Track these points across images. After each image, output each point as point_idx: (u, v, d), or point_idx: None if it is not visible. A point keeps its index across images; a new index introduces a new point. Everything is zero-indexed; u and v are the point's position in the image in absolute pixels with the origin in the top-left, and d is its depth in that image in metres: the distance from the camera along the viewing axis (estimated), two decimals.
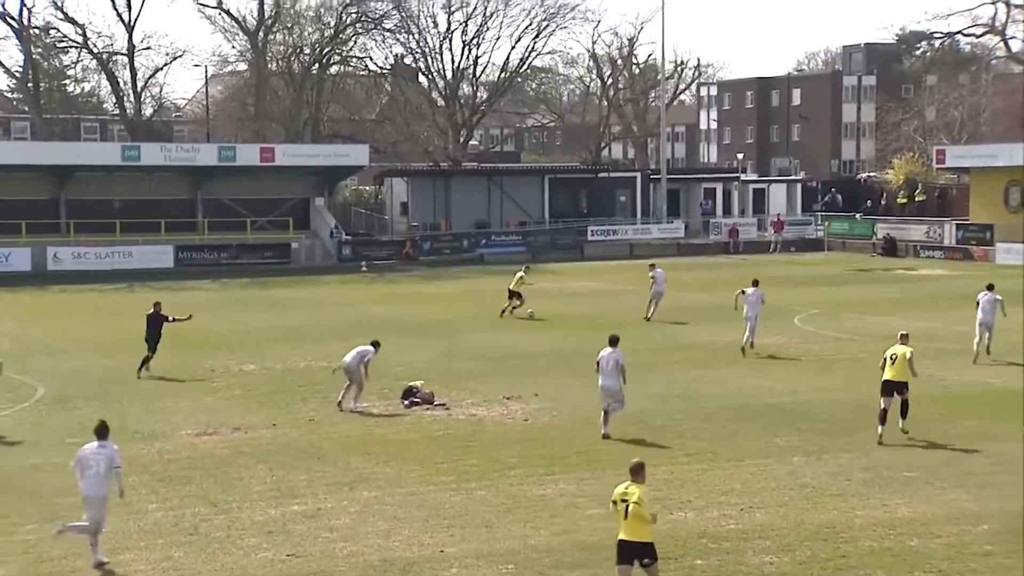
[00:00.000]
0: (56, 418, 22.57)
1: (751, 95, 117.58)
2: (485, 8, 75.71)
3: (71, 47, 76.27)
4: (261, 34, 72.32)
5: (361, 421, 22.14)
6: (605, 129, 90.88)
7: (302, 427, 21.75)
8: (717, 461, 18.76)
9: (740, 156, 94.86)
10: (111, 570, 14.22)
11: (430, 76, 78.38)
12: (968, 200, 62.27)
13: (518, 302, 37.19)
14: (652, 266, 37.48)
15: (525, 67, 79.75)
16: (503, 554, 14.59)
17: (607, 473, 18.10)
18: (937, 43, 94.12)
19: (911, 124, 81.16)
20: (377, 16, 74.50)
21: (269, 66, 73.82)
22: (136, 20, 74.07)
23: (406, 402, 23.32)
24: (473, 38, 76.07)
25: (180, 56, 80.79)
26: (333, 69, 76.34)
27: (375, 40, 77.05)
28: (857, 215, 67.22)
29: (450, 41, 76.49)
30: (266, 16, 72.21)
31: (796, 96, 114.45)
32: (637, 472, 12.53)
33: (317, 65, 74.06)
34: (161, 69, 76.08)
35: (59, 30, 74.60)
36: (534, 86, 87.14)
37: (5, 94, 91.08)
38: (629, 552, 12.32)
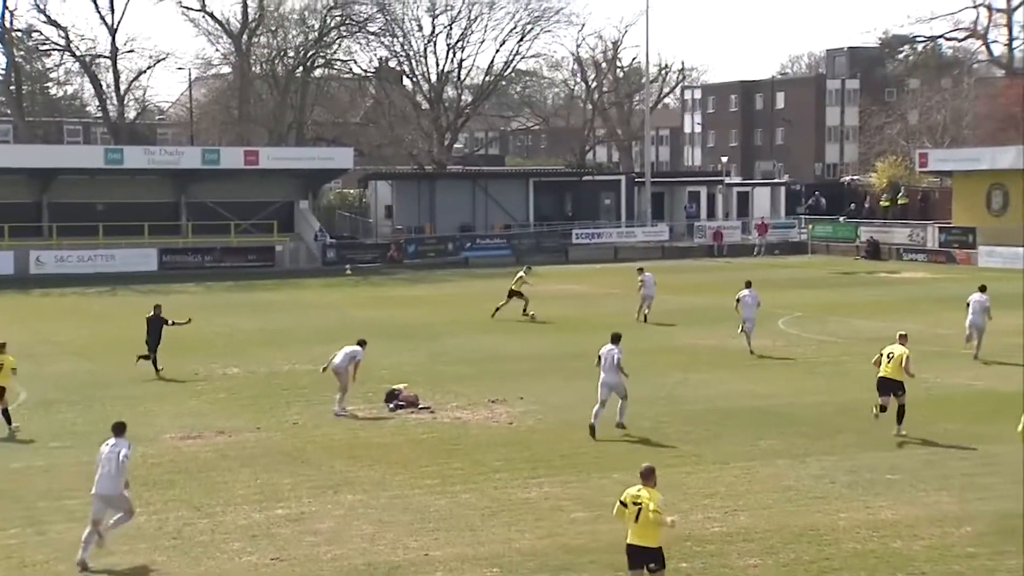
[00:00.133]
0: (39, 422, 22.48)
1: (735, 99, 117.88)
2: (469, 11, 75.86)
3: (54, 50, 76.14)
4: (245, 37, 72.20)
5: (345, 424, 22.10)
6: (589, 132, 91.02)
7: (286, 430, 21.70)
8: (701, 464, 18.78)
9: (724, 159, 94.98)
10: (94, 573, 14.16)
11: (414, 79, 78.44)
12: (951, 203, 62.55)
13: (523, 302, 37.17)
14: (640, 270, 37.55)
15: (509, 70, 79.84)
16: (488, 557, 14.58)
17: (592, 476, 18.13)
18: (920, 47, 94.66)
19: (894, 128, 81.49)
20: (361, 19, 74.51)
21: (253, 69, 73.71)
22: (119, 23, 74.15)
23: (391, 405, 23.30)
24: (457, 41, 76.19)
25: (163, 59, 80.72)
26: (317, 72, 76.31)
27: (359, 43, 77.15)
28: (841, 218, 67.46)
29: (434, 44, 76.63)
30: (250, 19, 72.12)
31: (780, 100, 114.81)
32: (648, 476, 12.54)
33: (301, 68, 73.98)
34: (144, 72, 76.12)
35: (42, 33, 74.51)
36: (519, 89, 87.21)
37: None
38: (640, 557, 12.35)
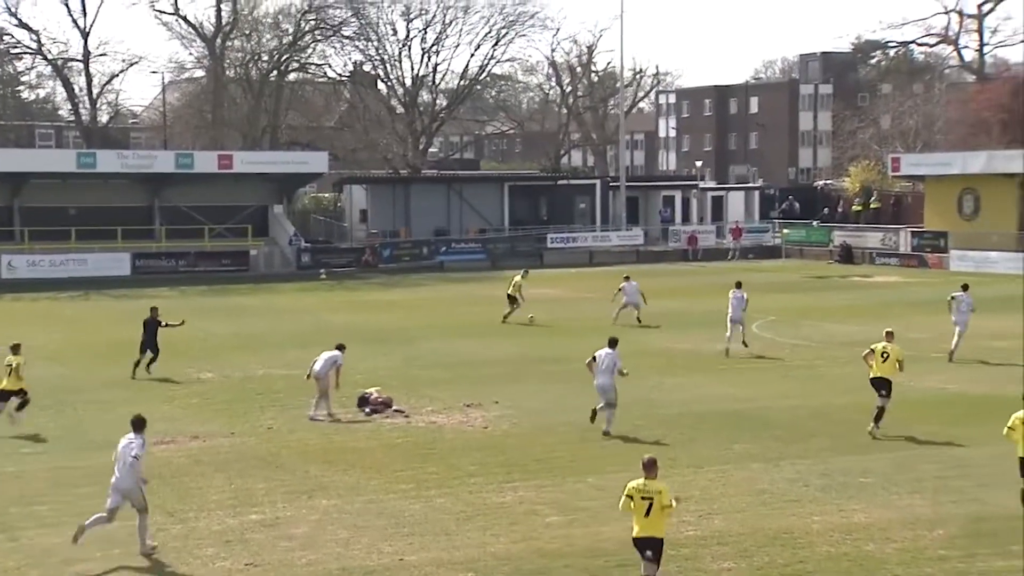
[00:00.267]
0: (9, 427, 22.28)
1: (709, 103, 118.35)
2: (444, 16, 75.89)
3: (25, 53, 75.59)
4: (219, 41, 71.98)
5: (320, 429, 22.04)
6: (564, 136, 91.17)
7: (260, 435, 21.62)
8: (676, 468, 18.81)
9: (699, 164, 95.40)
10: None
11: (389, 83, 78.35)
12: (923, 208, 62.97)
13: (516, 307, 37.20)
14: (627, 278, 37.60)
15: (484, 75, 79.93)
16: (462, 562, 14.58)
17: (566, 480, 18.14)
18: (892, 52, 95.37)
19: (867, 132, 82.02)
20: (336, 23, 74.40)
21: (227, 73, 73.48)
22: (91, 26, 73.55)
23: (367, 410, 23.26)
24: (432, 45, 76.19)
25: (136, 62, 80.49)
26: (292, 76, 76.16)
27: (334, 47, 77.13)
28: (814, 223, 67.80)
29: (409, 48, 76.62)
30: (224, 23, 71.91)
31: (754, 104, 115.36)
32: (651, 468, 12.80)
33: (275, 72, 73.83)
34: (117, 75, 75.64)
35: (13, 36, 74.00)
36: (493, 93, 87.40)
37: None
38: (646, 546, 12.64)
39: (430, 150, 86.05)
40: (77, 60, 71.87)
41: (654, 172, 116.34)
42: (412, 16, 75.56)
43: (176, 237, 58.16)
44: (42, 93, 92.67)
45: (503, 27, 77.11)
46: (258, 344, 32.97)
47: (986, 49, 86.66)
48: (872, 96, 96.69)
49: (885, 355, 20.88)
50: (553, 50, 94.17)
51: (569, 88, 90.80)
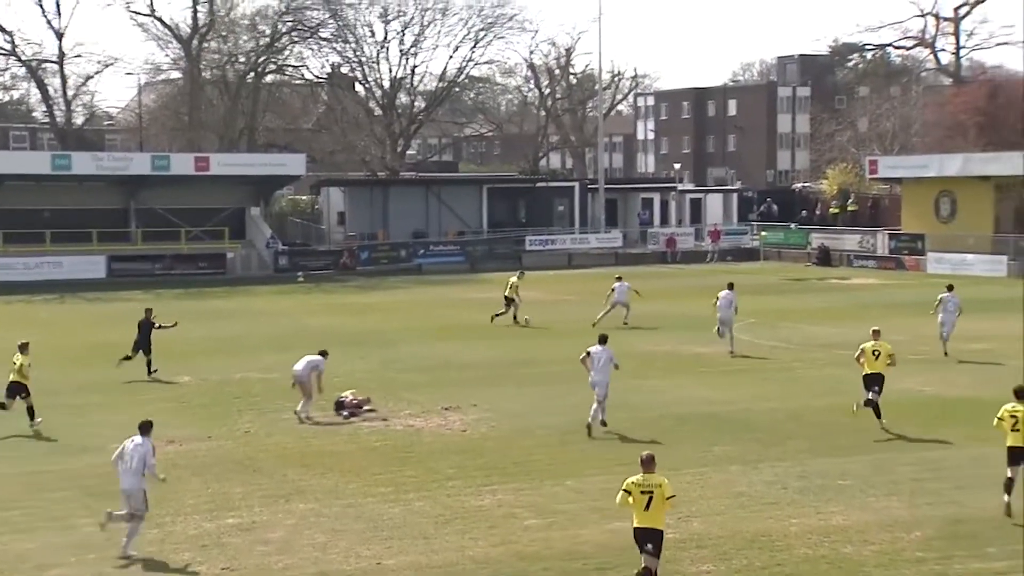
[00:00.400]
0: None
1: (687, 105, 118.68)
2: (422, 17, 75.79)
3: None
4: (195, 42, 71.66)
5: (298, 433, 21.98)
6: (543, 139, 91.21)
7: (237, 439, 21.54)
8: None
9: (677, 166, 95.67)
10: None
11: (367, 85, 78.22)
12: (900, 210, 63.31)
13: (514, 308, 37.22)
14: (619, 278, 37.68)
15: (463, 77, 79.87)
16: (441, 566, 14.56)
17: (545, 483, 18.15)
18: (869, 55, 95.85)
19: (844, 135, 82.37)
20: (313, 25, 74.17)
21: (203, 75, 73.17)
22: (66, 27, 73.15)
23: (344, 413, 23.22)
24: (410, 47, 76.09)
25: (112, 64, 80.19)
26: (269, 78, 75.88)
27: (311, 49, 76.86)
28: (792, 225, 68.06)
29: (387, 50, 76.39)
30: (200, 24, 71.59)
31: (732, 107, 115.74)
32: (650, 463, 13.13)
33: (253, 74, 73.55)
34: (92, 77, 75.31)
35: None
36: (472, 96, 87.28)
37: None
38: (646, 537, 12.90)
39: (408, 152, 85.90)
40: (51, 61, 71.44)
41: (632, 174, 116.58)
42: (390, 18, 75.52)
43: (152, 240, 57.89)
44: (16, 95, 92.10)
45: (481, 29, 77.16)
46: (235, 347, 32.85)
47: (962, 52, 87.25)
48: (849, 99, 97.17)
49: (876, 353, 21.54)
50: (531, 52, 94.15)
51: (548, 90, 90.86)
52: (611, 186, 75.51)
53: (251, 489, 17.95)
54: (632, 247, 67.48)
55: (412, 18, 75.61)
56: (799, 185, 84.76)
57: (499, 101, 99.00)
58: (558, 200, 71.29)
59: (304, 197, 73.20)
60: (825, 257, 61.50)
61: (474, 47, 77.44)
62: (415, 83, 78.75)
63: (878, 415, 21.32)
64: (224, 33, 73.26)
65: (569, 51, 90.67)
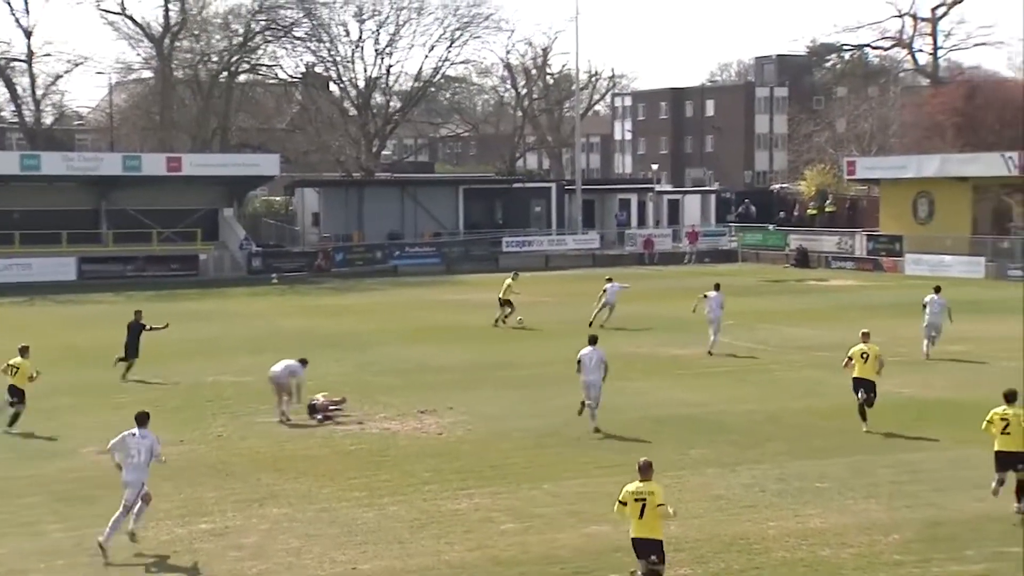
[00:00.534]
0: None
1: (665, 106, 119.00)
2: (398, 17, 75.68)
3: None
4: (167, 41, 71.35)
5: (272, 436, 21.91)
6: (519, 139, 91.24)
7: (210, 443, 21.46)
8: (632, 474, 18.75)
9: (655, 167, 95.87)
10: None
11: (342, 85, 78.07)
12: (878, 211, 63.64)
13: (509, 310, 37.20)
14: (609, 279, 37.81)
15: (439, 77, 79.81)
16: (416, 571, 14.54)
17: (522, 487, 18.15)
18: (847, 56, 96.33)
19: (822, 135, 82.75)
20: (287, 24, 73.96)
21: (175, 74, 72.86)
22: (35, 26, 72.86)
23: (318, 416, 23.17)
24: (386, 47, 75.98)
25: (82, 63, 79.37)
26: (242, 77, 75.63)
27: (285, 48, 76.64)
28: (770, 226, 68.32)
29: (362, 50, 76.26)
30: (172, 23, 71.28)
31: (710, 107, 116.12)
32: (646, 470, 13.22)
33: (225, 73, 73.29)
34: (62, 76, 74.72)
35: None
36: (448, 96, 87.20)
37: None
38: (645, 548, 12.96)
39: (383, 153, 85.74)
40: (20, 60, 70.97)
41: (610, 175, 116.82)
42: (365, 17, 75.37)
43: (123, 241, 57.60)
44: None
45: (457, 29, 77.12)
46: (208, 350, 32.71)
47: (940, 53, 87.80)
48: (827, 99, 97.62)
49: (865, 356, 21.69)
50: (508, 52, 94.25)
51: (524, 90, 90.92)
52: (588, 187, 75.62)
53: (224, 494, 17.88)
54: (609, 248, 67.58)
55: (387, 17, 75.59)
56: (777, 186, 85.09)
57: (475, 101, 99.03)
58: (535, 201, 71.33)
59: (278, 198, 72.98)
60: (803, 259, 61.76)
61: (450, 47, 77.48)
62: (390, 83, 78.72)
63: (863, 417, 21.55)
64: (196, 32, 72.97)
65: (546, 51, 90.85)
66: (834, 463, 19.44)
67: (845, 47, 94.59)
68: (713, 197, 78.43)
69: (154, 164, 58.67)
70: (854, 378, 21.76)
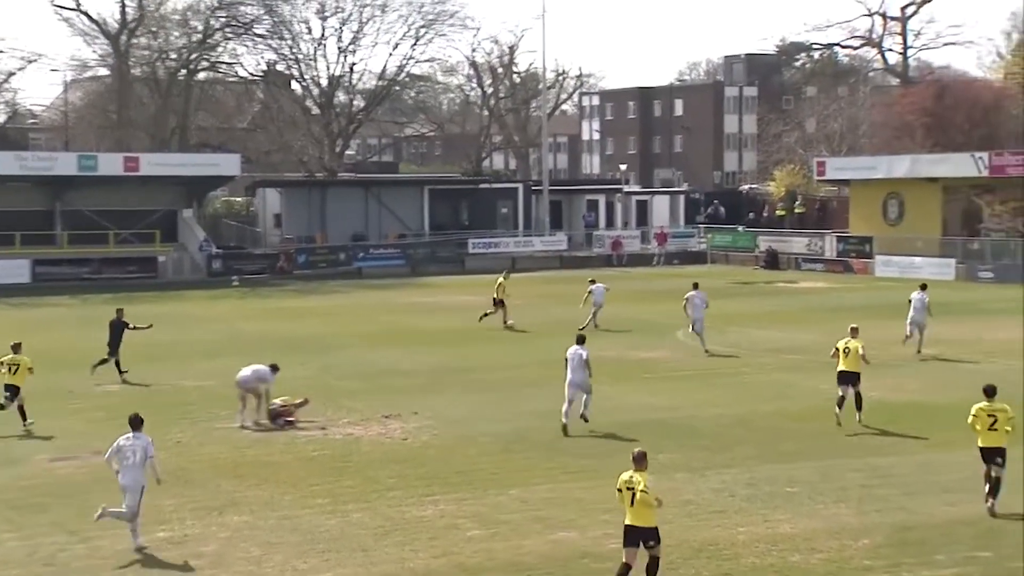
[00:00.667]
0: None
1: (633, 105, 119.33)
2: (361, 14, 75.50)
3: None
4: (124, 38, 70.90)
5: (232, 442, 21.80)
6: (486, 139, 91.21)
7: (169, 449, 21.28)
8: (600, 479, 18.88)
9: (623, 167, 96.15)
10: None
11: (304, 83, 77.82)
12: (848, 212, 64.07)
13: (501, 309, 37.21)
14: (592, 281, 37.99)
15: (403, 75, 79.63)
16: None
17: (488, 493, 18.14)
18: (816, 55, 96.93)
19: (792, 136, 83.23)
20: (247, 21, 73.67)
21: (133, 71, 72.41)
22: None
23: (281, 421, 23.08)
24: (349, 45, 75.78)
25: (36, 60, 78.98)
26: (201, 75, 75.26)
27: (246, 46, 76.29)
28: (740, 228, 68.64)
29: (324, 48, 76.08)
30: (129, 19, 70.82)
31: (678, 107, 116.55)
32: (640, 461, 13.78)
33: (184, 71, 72.91)
34: (15, 74, 74.18)
35: None
36: (412, 95, 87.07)
37: None
38: (636, 535, 13.47)
39: (347, 152, 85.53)
40: None
41: (577, 176, 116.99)
42: (327, 14, 75.17)
43: (79, 243, 57.15)
44: None
45: (422, 26, 77.00)
46: (167, 354, 32.50)
47: (910, 52, 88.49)
48: (797, 99, 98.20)
49: (847, 350, 22.54)
50: (474, 50, 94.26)
51: (490, 89, 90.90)
52: (556, 187, 75.70)
53: (183, 501, 17.77)
54: (577, 250, 67.71)
55: (350, 14, 75.40)
56: (747, 187, 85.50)
57: (440, 100, 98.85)
58: (501, 202, 71.34)
59: (239, 199, 72.64)
60: (773, 260, 62.09)
61: (414, 44, 77.36)
62: (354, 81, 78.53)
63: (857, 407, 22.38)
64: (154, 28, 72.54)
65: (512, 49, 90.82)
66: (804, 467, 19.55)
67: (814, 46, 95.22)
68: (682, 198, 78.71)
69: (111, 164, 58.23)
70: (839, 371, 22.66)
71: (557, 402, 24.98)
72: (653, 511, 13.51)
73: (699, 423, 23.11)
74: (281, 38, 74.88)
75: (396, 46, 77.52)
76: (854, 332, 23.05)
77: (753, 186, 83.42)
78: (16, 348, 23.33)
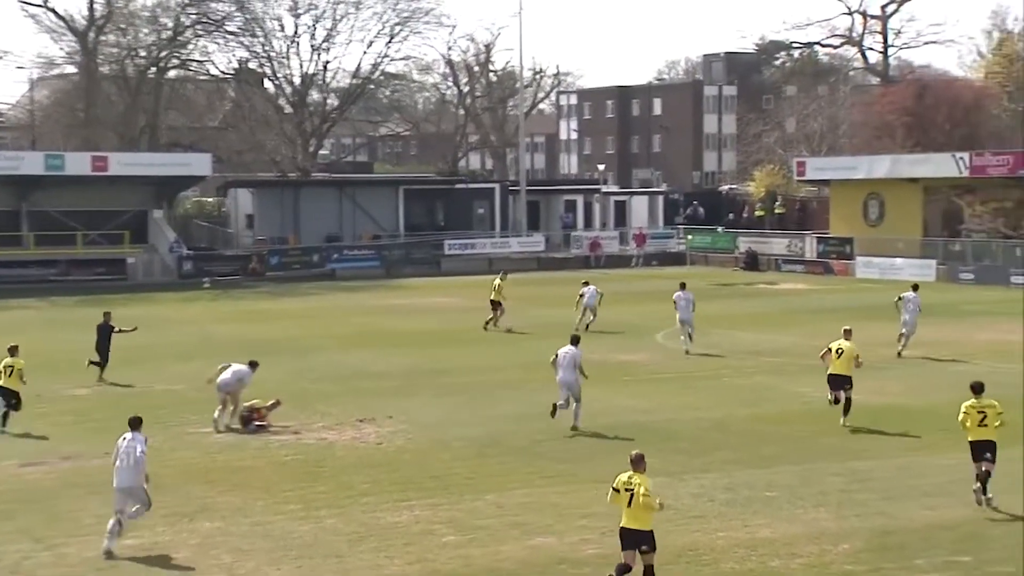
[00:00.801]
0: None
1: (611, 104, 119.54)
2: (334, 11, 75.35)
3: None
4: (91, 35, 70.54)
5: (203, 447, 21.74)
6: (462, 139, 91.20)
7: None
8: (577, 483, 18.96)
9: (601, 167, 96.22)
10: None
11: (277, 82, 77.59)
12: (828, 213, 64.35)
13: (500, 313, 37.19)
14: (585, 283, 38.16)
15: (378, 73, 79.50)
16: None
17: (464, 498, 18.15)
18: (796, 53, 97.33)
19: (771, 136, 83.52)
20: (218, 18, 73.40)
21: (101, 69, 72.05)
22: None
23: (252, 426, 23.03)
24: (322, 42, 75.62)
25: (1, 58, 78.39)
26: (172, 73, 74.95)
27: (217, 43, 75.95)
28: (719, 228, 68.85)
29: (297, 45, 75.87)
30: (97, 16, 70.47)
31: (657, 106, 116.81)
32: (638, 462, 13.79)
33: (154, 69, 72.58)
34: None
35: None
36: (387, 93, 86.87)
37: None
38: (633, 539, 13.59)
39: (321, 152, 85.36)
40: None
41: (555, 176, 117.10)
42: (300, 11, 74.98)
43: (46, 244, 56.83)
44: None
45: (397, 24, 76.89)
46: (137, 358, 32.34)
47: (890, 51, 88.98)
48: (777, 98, 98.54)
49: (840, 352, 22.69)
50: (449, 48, 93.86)
51: (467, 88, 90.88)
52: (533, 188, 75.76)
53: (153, 507, 17.67)
54: (555, 251, 67.76)
55: (324, 12, 75.24)
56: (726, 187, 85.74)
57: (416, 99, 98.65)
58: (478, 202, 71.33)
59: (210, 199, 72.38)
60: (753, 261, 62.31)
61: (389, 42, 77.23)
62: (327, 80, 78.36)
63: (844, 411, 22.60)
64: (123, 25, 72.19)
65: (489, 47, 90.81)
66: (783, 471, 19.64)
67: (794, 45, 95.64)
68: (661, 198, 78.87)
69: (78, 163, 57.94)
70: (829, 375, 22.84)
71: (532, 405, 25.07)
72: (651, 515, 13.60)
73: (678, 426, 23.18)
74: (253, 35, 74.69)
75: (370, 44, 77.49)
76: (847, 334, 23.20)
77: (733, 186, 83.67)
78: (13, 351, 23.45)
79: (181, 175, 61.75)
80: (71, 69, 74.40)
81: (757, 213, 70.49)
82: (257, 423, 23.06)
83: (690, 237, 68.39)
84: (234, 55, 76.93)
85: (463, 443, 21.88)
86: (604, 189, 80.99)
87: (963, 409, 17.28)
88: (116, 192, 59.35)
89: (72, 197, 58.13)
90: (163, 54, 72.50)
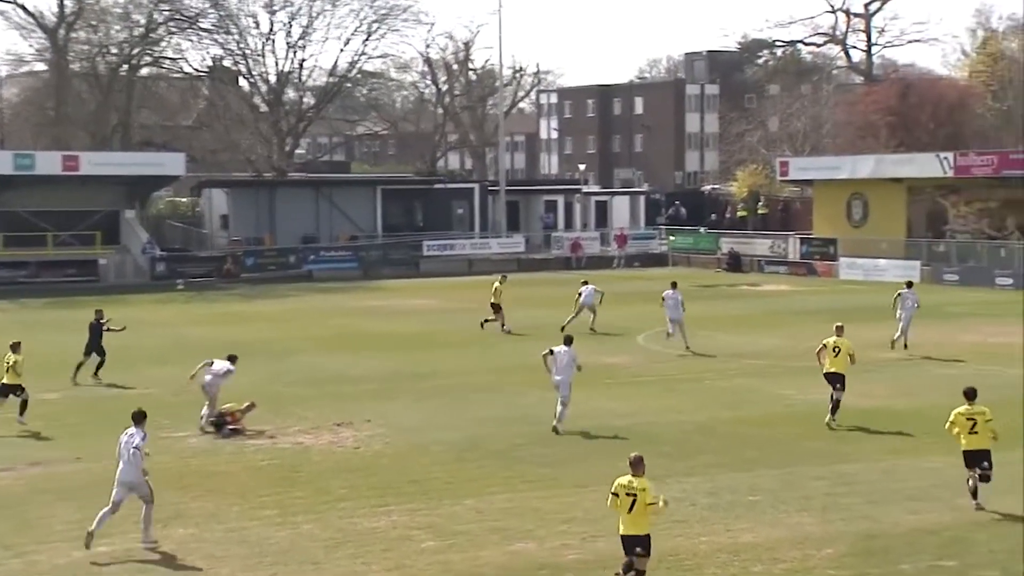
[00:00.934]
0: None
1: (592, 103, 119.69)
2: (311, 8, 75.30)
3: None
4: (62, 31, 70.30)
5: (177, 452, 21.66)
6: (441, 138, 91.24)
7: (109, 460, 21.03)
8: (558, 488, 18.96)
9: (582, 167, 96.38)
10: None
11: (252, 80, 77.48)
12: (811, 213, 64.56)
13: (500, 316, 37.17)
14: (584, 282, 38.33)
15: (355, 72, 79.49)
16: None
17: (443, 503, 18.13)
18: (779, 52, 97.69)
19: (754, 135, 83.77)
20: (192, 14, 73.31)
21: (72, 67, 71.78)
22: None
23: (227, 430, 22.95)
24: (298, 40, 75.57)
25: None
26: (144, 71, 74.78)
27: (190, 40, 75.84)
28: (701, 229, 69.01)
29: (273, 43, 75.79)
30: (67, 12, 70.23)
31: (638, 105, 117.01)
32: (637, 465, 13.90)
33: (126, 66, 72.35)
34: None
35: None
36: (365, 92, 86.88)
37: None
38: (632, 544, 13.75)
39: (297, 151, 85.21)
40: None
41: (535, 176, 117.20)
42: (276, 8, 74.88)
43: (15, 245, 56.58)
44: None
45: (374, 21, 76.90)
46: (110, 360, 32.09)
47: (874, 50, 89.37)
48: (759, 97, 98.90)
49: (837, 350, 22.98)
50: (428, 46, 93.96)
51: (445, 87, 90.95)
52: (513, 188, 75.78)
53: (126, 513, 17.56)
54: (535, 252, 67.82)
55: (300, 8, 75.16)
56: (708, 187, 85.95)
57: (394, 98, 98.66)
58: (457, 203, 71.32)
59: (184, 199, 72.20)
60: (735, 262, 62.47)
61: (367, 40, 77.22)
62: (303, 78, 78.29)
63: (833, 411, 22.80)
64: (94, 22, 71.96)
65: (468, 45, 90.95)
66: (766, 475, 19.68)
67: (777, 43, 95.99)
68: (642, 198, 79.02)
69: (48, 163, 57.69)
70: (825, 372, 23.07)
71: (512, 409, 25.11)
72: (648, 519, 13.76)
73: (660, 429, 23.21)
74: (228, 32, 74.56)
75: (347, 42, 77.51)
76: (839, 331, 23.45)
77: (715, 186, 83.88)
78: (15, 348, 23.91)
79: (154, 175, 61.57)
80: (41, 66, 74.16)
81: (740, 213, 70.69)
82: (231, 427, 22.98)
83: (672, 238, 68.51)
84: (208, 52, 76.91)
85: (442, 447, 21.86)
86: (585, 189, 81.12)
87: (952, 417, 17.29)
88: (87, 192, 59.11)
89: (42, 197, 57.87)
90: (135, 51, 72.29)
